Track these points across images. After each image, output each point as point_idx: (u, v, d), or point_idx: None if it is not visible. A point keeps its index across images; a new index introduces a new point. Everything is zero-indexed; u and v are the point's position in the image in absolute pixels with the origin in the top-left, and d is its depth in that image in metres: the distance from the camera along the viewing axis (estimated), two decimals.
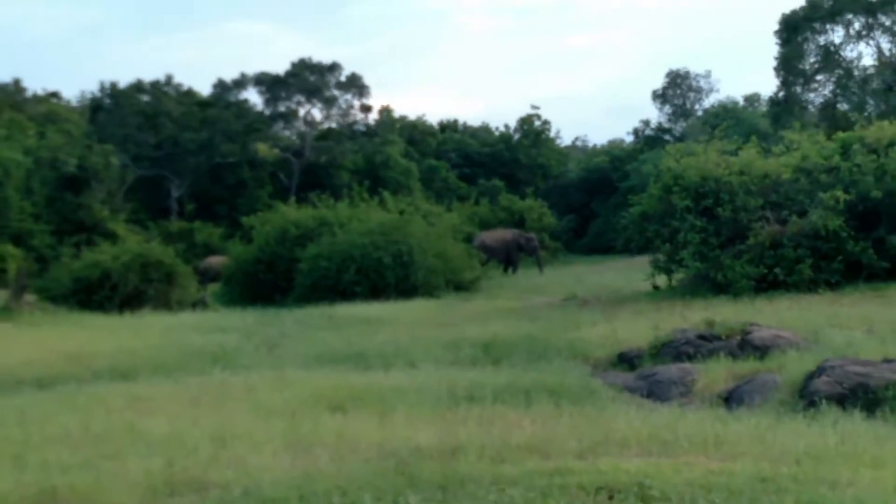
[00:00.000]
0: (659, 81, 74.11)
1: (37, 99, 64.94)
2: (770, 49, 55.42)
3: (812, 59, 54.48)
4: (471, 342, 18.62)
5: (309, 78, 64.90)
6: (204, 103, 65.22)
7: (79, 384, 14.68)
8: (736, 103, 71.86)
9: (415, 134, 73.25)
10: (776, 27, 54.76)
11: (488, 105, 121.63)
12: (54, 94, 67.48)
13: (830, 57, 53.86)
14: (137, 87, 64.00)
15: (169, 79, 65.32)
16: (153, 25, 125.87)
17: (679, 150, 30.21)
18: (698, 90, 73.01)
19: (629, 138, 74.81)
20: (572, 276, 39.65)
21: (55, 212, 50.23)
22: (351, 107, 66.40)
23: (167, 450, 9.13)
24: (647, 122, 72.81)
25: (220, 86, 65.90)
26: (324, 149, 64.53)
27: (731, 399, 12.42)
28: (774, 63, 55.02)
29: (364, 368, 15.50)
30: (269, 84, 65.10)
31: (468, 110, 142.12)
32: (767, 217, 26.68)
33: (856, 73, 53.99)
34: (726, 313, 18.28)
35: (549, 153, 73.56)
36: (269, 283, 36.07)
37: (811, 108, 55.37)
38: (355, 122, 67.16)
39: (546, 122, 74.33)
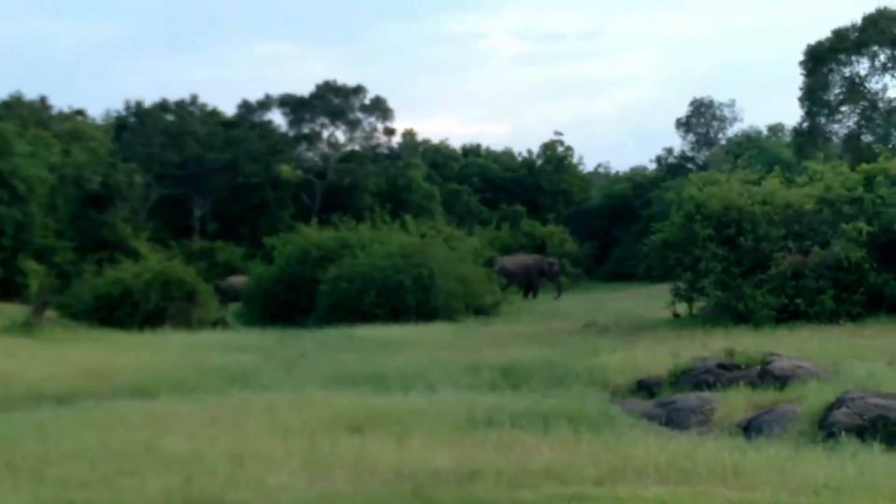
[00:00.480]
0: (683, 109, 73.95)
1: (62, 116, 65.31)
2: (795, 79, 55.38)
3: (837, 91, 54.38)
4: (490, 366, 18.60)
5: (333, 100, 65.10)
6: (228, 123, 65.54)
7: (98, 401, 14.74)
8: (760, 133, 71.80)
9: (437, 158, 73.40)
10: (801, 58, 54.72)
11: (512, 130, 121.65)
12: (80, 112, 67.89)
13: (855, 88, 53.76)
14: (162, 106, 64.35)
15: (194, 98, 65.72)
16: (179, 45, 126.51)
17: (702, 178, 30.19)
18: (722, 119, 72.85)
19: (652, 165, 74.73)
20: (593, 302, 39.56)
21: (78, 229, 50.48)
22: (374, 129, 66.56)
23: (186, 468, 9.13)
24: (670, 150, 72.70)
25: (245, 106, 66.21)
26: (346, 171, 64.67)
27: (750, 429, 12.35)
28: (799, 93, 54.95)
29: (383, 390, 15.47)
30: (294, 105, 65.33)
31: (491, 135, 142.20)
32: (789, 247, 26.60)
33: (880, 104, 53.85)
34: (747, 343, 18.20)
35: (571, 179, 73.56)
36: (289, 303, 36.13)
37: (835, 139, 55.24)
38: (378, 145, 67.30)
39: (569, 148, 74.47)
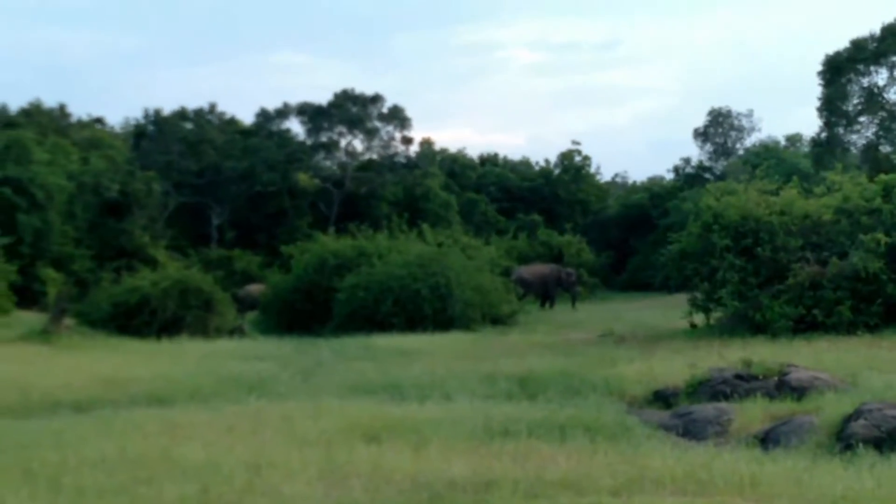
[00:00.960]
0: (700, 119, 73.94)
1: (81, 124, 65.52)
2: (813, 89, 55.39)
3: (855, 101, 54.31)
4: (507, 376, 18.56)
5: (351, 109, 65.23)
6: (246, 132, 65.75)
7: (115, 409, 14.75)
8: (778, 143, 71.66)
9: (455, 167, 73.48)
10: (820, 68, 54.65)
11: (529, 139, 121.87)
12: (98, 120, 68.13)
13: (874, 99, 53.66)
14: (181, 114, 64.64)
15: (212, 107, 66.05)
16: (198, 54, 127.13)
17: (720, 188, 30.12)
18: (740, 129, 72.78)
19: (669, 175, 74.69)
20: (610, 312, 39.51)
21: (96, 237, 50.68)
22: (392, 138, 66.66)
23: (202, 476, 9.16)
24: (687, 160, 72.60)
25: (263, 115, 66.42)
26: (364, 180, 64.78)
27: (767, 440, 12.32)
28: (817, 104, 54.89)
29: (399, 400, 15.46)
30: (312, 114, 65.49)
31: (509, 144, 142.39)
32: (807, 258, 26.49)
33: None
34: (764, 353, 18.14)
35: (588, 188, 73.55)
36: (306, 312, 36.15)
37: (853, 150, 55.15)
38: (396, 154, 67.35)
39: (586, 158, 74.48)
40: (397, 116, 65.84)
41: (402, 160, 67.49)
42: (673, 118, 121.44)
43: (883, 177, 28.37)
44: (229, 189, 61.50)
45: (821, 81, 54.60)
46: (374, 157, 67.20)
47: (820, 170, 45.39)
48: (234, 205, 62.13)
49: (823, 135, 55.17)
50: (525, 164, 78.35)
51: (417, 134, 69.36)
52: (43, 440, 11.44)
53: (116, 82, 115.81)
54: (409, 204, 63.06)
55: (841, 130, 54.80)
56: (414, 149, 68.06)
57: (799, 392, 14.46)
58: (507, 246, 55.45)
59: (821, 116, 54.92)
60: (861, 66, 53.67)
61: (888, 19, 53.26)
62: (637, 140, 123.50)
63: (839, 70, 53.70)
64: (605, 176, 79.66)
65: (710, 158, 72.28)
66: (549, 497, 8.39)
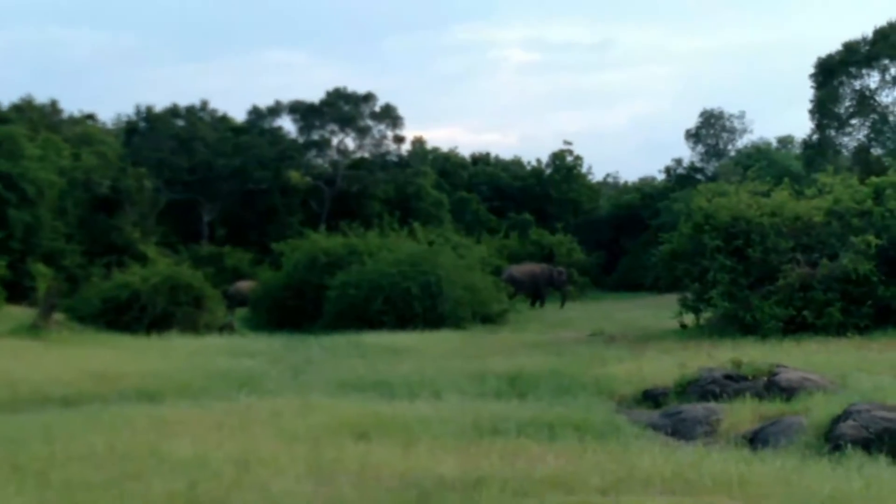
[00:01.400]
0: (692, 120, 73.91)
1: (73, 120, 65.34)
2: (805, 92, 55.45)
3: (847, 103, 54.44)
4: (496, 375, 18.56)
5: (343, 107, 65.14)
6: (238, 129, 65.64)
7: (105, 404, 14.71)
8: (769, 145, 71.73)
9: (446, 166, 73.45)
10: (812, 70, 54.75)
11: (521, 139, 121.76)
12: (90, 116, 67.93)
13: (865, 101, 53.80)
14: (173, 111, 64.51)
15: (204, 104, 65.90)
16: (190, 51, 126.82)
17: (711, 189, 30.20)
18: (732, 130, 72.78)
19: (661, 176, 74.71)
20: (600, 312, 39.56)
21: (87, 232, 50.49)
22: (384, 137, 66.54)
23: (190, 472, 9.13)
24: (679, 161, 72.61)
25: (255, 113, 66.33)
26: (355, 178, 64.67)
27: (756, 440, 12.32)
28: (809, 106, 55.01)
29: (389, 397, 15.47)
30: (304, 112, 65.39)
31: (501, 144, 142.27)
32: (798, 259, 26.55)
33: (891, 118, 53.89)
34: (754, 354, 18.14)
35: (580, 188, 73.50)
36: (296, 309, 36.14)
37: (845, 152, 55.28)
38: (388, 153, 67.24)
39: (578, 158, 74.38)
40: (389, 115, 65.77)
41: (394, 159, 67.39)
42: (665, 119, 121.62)
43: (874, 179, 28.47)
44: (220, 186, 61.41)
45: (813, 84, 54.74)
46: (366, 155, 67.10)
47: (811, 172, 45.49)
48: (225, 202, 62.05)
49: (815, 137, 55.31)
50: (517, 163, 78.30)
51: (409, 133, 69.46)
52: (31, 435, 11.39)
53: (108, 79, 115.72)
54: (401, 202, 63.03)
55: (832, 133, 54.94)
56: (406, 147, 68.06)
57: (788, 393, 14.47)
58: (498, 245, 55.51)
59: (812, 118, 55.08)
60: (853, 69, 53.80)
61: (880, 23, 53.50)
62: (629, 141, 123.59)
63: (831, 73, 53.82)
64: (597, 176, 79.72)
65: (701, 159, 72.32)
66: (537, 496, 8.37)
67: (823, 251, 26.80)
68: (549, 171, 74.22)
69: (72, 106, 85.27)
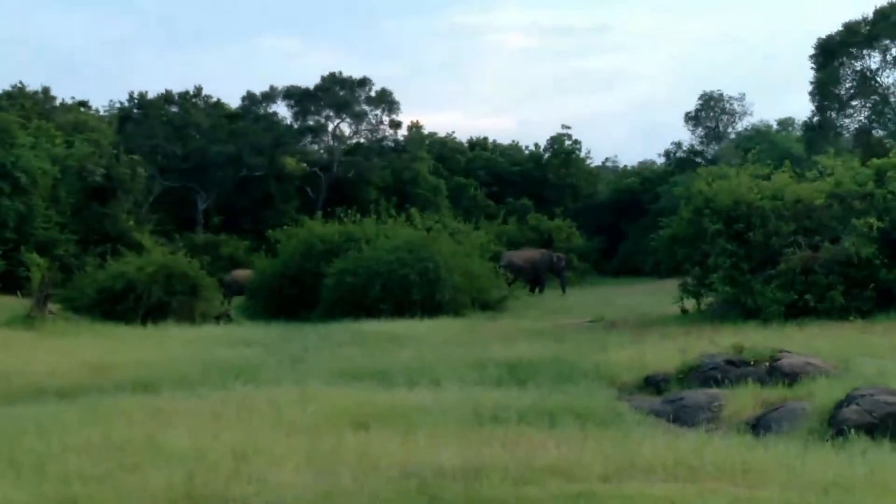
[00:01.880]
0: (692, 103, 73.79)
1: (65, 108, 65.27)
2: (805, 73, 55.45)
3: (848, 85, 54.40)
4: (496, 362, 18.48)
5: (338, 92, 65.13)
6: (233, 116, 65.63)
7: (100, 395, 14.67)
8: (769, 127, 71.63)
9: (444, 151, 73.42)
10: (812, 51, 54.65)
11: (519, 123, 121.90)
12: (83, 104, 67.88)
13: (866, 82, 53.73)
14: (166, 97, 64.44)
15: (198, 90, 65.81)
16: (184, 37, 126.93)
17: (711, 173, 30.09)
18: (731, 113, 72.58)
19: (660, 160, 74.71)
20: (600, 297, 39.53)
21: (81, 221, 50.34)
22: (380, 122, 66.69)
23: (188, 463, 9.09)
24: (678, 145, 72.57)
25: (250, 99, 66.31)
26: (352, 164, 64.67)
27: (758, 426, 12.24)
28: (810, 87, 54.94)
29: (388, 386, 15.39)
30: (299, 98, 65.37)
31: (498, 128, 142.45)
32: (799, 242, 26.42)
33: (892, 99, 53.85)
34: (755, 339, 18.09)
35: (578, 173, 73.44)
36: (293, 297, 36.05)
37: (846, 134, 55.26)
38: (384, 138, 67.30)
39: (577, 142, 74.33)
40: (385, 100, 65.76)
41: (391, 144, 67.42)
42: (664, 102, 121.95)
43: (875, 161, 28.33)
44: (215, 173, 61.36)
45: (813, 65, 54.69)
46: (362, 141, 67.12)
47: (812, 154, 45.37)
48: (220, 189, 62.02)
49: (816, 119, 55.27)
50: (515, 148, 78.29)
51: (406, 118, 69.29)
52: (27, 427, 11.34)
53: (101, 66, 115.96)
54: (398, 188, 63.05)
55: (833, 114, 54.90)
56: (402, 133, 68.15)
57: (791, 378, 14.38)
58: (496, 231, 55.48)
59: (813, 100, 55.03)
60: (854, 50, 53.75)
61: (881, 3, 53.39)
62: (628, 124, 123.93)
63: (832, 54, 53.75)
64: (596, 160, 79.71)
65: (701, 143, 72.24)
66: (538, 484, 8.32)
67: (825, 234, 26.70)
68: (547, 155, 74.16)
69: (64, 93, 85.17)
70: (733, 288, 26.18)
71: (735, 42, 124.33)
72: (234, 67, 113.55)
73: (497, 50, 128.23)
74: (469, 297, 34.60)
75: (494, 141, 79.71)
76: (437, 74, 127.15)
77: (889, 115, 53.42)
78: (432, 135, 74.44)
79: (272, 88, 66.03)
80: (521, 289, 43.50)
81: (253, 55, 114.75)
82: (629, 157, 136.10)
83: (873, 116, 54.29)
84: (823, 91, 53.98)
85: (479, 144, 78.55)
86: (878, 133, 52.92)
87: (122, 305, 30.93)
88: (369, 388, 15.09)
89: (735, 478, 8.59)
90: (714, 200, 27.55)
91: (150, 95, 64.12)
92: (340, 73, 65.52)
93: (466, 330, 27.26)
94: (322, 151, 67.23)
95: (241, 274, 43.67)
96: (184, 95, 64.79)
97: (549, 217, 62.24)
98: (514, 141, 79.92)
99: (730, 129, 72.59)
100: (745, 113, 72.63)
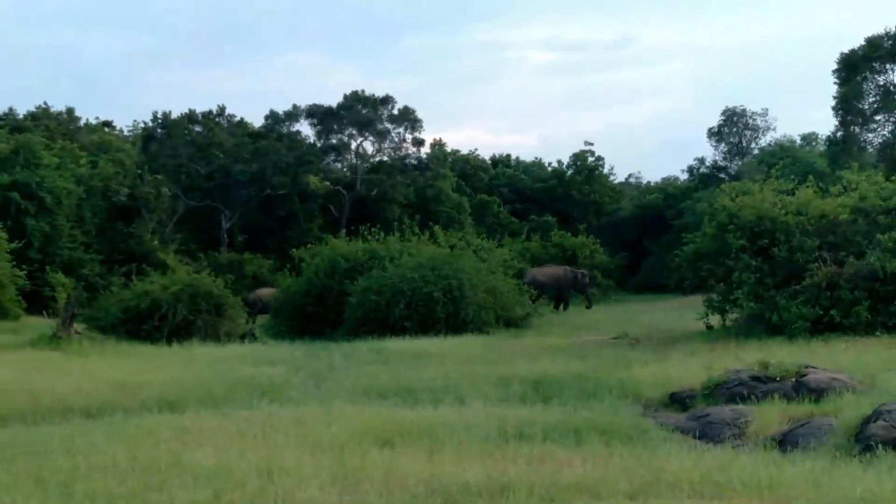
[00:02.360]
0: (715, 118, 73.48)
1: (90, 128, 65.71)
2: (829, 88, 55.12)
3: (871, 99, 54.06)
4: (521, 379, 18.48)
5: (361, 111, 65.19)
6: (256, 135, 65.75)
7: (126, 414, 14.70)
8: (793, 142, 71.36)
9: (467, 168, 73.42)
10: (835, 66, 54.44)
11: (541, 140, 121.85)
12: (107, 124, 68.32)
13: (890, 96, 53.40)
14: (190, 117, 64.63)
15: (221, 110, 66.06)
16: (207, 56, 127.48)
17: (735, 188, 30.00)
18: (755, 128, 72.22)
19: (684, 175, 74.41)
20: (624, 314, 39.43)
21: (106, 241, 50.69)
22: (403, 140, 66.63)
23: (214, 482, 9.11)
24: (702, 160, 72.22)
25: (273, 117, 66.43)
26: (375, 182, 64.70)
27: (785, 442, 12.21)
28: (833, 102, 54.67)
29: (413, 404, 15.38)
30: (322, 116, 65.47)
31: (521, 145, 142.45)
32: (824, 258, 26.33)
33: None
34: (781, 355, 18.04)
35: (602, 189, 73.28)
36: (318, 315, 36.05)
37: (870, 149, 54.94)
38: (407, 156, 67.27)
39: (599, 158, 74.19)
40: (408, 118, 65.78)
41: (414, 162, 67.39)
42: (687, 118, 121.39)
43: None
44: (239, 192, 61.51)
45: (836, 80, 54.40)
46: (385, 159, 67.16)
47: (836, 169, 45.22)
48: (243, 208, 62.13)
49: (839, 133, 54.96)
50: (538, 165, 78.32)
51: (429, 135, 69.36)
52: (54, 446, 11.37)
53: (125, 85, 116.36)
54: (421, 206, 63.07)
55: (857, 129, 54.58)
56: (425, 150, 67.99)
57: (817, 393, 14.36)
58: (520, 248, 55.39)
59: (836, 115, 54.71)
60: (877, 64, 53.43)
61: None
62: (651, 140, 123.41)
63: (854, 68, 53.47)
64: (619, 176, 79.54)
65: (724, 158, 71.88)
66: (564, 501, 8.34)
67: (850, 249, 26.59)
68: (570, 172, 74.07)
69: (88, 113, 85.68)
70: (758, 304, 26.10)
71: (758, 56, 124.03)
72: (257, 85, 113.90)
73: (518, 66, 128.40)
74: (493, 315, 34.52)
75: (517, 158, 79.92)
76: (459, 91, 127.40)
77: None
78: (455, 152, 74.47)
79: (295, 107, 66.20)
80: (544, 306, 43.42)
81: (274, 73, 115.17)
82: (652, 173, 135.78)
83: None
84: (846, 106, 53.72)
85: (501, 161, 78.62)
86: None
87: (147, 325, 30.95)
88: (394, 405, 15.09)
89: (762, 494, 8.57)
90: (738, 216, 27.49)
91: (174, 115, 64.37)
92: (363, 91, 65.66)
93: (491, 347, 27.21)
94: (345, 170, 67.33)
95: (266, 292, 43.74)
96: (207, 115, 65.01)
97: (572, 234, 62.07)
98: (536, 158, 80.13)
99: (753, 145, 72.25)
100: (768, 128, 72.29)
